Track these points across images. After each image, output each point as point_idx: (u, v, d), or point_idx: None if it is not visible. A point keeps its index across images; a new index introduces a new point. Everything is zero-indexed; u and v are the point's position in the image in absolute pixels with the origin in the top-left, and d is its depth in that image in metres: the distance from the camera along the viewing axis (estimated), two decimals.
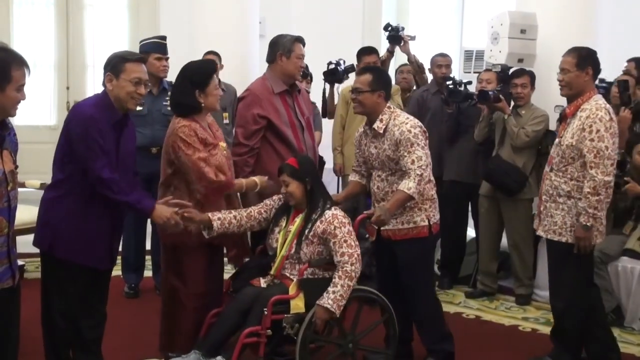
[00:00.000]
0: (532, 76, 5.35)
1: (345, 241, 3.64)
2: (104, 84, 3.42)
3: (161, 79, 5.19)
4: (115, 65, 3.37)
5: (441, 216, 4.01)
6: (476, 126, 5.42)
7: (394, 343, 3.97)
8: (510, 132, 5.14)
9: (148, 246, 5.43)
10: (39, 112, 8.67)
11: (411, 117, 3.90)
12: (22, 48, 8.44)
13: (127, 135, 3.50)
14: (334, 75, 5.98)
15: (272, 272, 3.80)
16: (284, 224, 3.84)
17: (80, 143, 3.28)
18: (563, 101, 5.30)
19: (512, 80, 5.32)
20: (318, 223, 3.70)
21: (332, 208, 3.78)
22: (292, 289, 3.65)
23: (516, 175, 5.17)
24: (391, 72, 6.87)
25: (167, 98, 5.14)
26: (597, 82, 5.22)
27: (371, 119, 3.89)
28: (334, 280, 3.61)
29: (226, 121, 5.71)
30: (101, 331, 3.63)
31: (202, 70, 3.80)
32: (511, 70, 5.53)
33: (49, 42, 8.73)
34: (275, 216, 3.90)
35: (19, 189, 3.14)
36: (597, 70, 3.94)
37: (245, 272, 3.89)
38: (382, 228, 3.88)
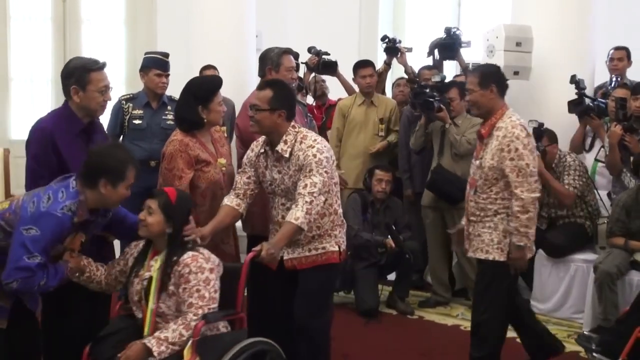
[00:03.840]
0: (460, 88, 5.37)
1: (198, 290, 3.06)
2: (66, 95, 3.39)
3: (161, 94, 5.20)
4: (79, 77, 3.32)
5: None
6: (412, 135, 5.50)
7: None
8: (453, 140, 5.25)
9: None
10: None
11: (319, 140, 3.50)
12: (20, 63, 8.48)
13: (99, 142, 3.49)
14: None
15: (145, 332, 3.13)
16: (142, 272, 3.23)
17: (29, 161, 3.32)
18: (537, 116, 5.37)
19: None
20: (176, 266, 3.12)
21: (196, 248, 3.23)
22: (187, 353, 3.00)
23: (459, 183, 5.21)
24: (388, 85, 6.92)
25: (167, 112, 5.18)
26: (595, 100, 5.33)
27: (272, 139, 3.49)
28: (169, 325, 3.05)
29: (224, 135, 5.72)
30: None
31: (206, 86, 3.76)
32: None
33: (46, 57, 8.72)
34: (134, 265, 3.28)
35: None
36: (501, 86, 3.86)
37: (111, 337, 3.19)
38: (285, 257, 3.51)
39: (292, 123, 3.51)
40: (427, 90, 5.39)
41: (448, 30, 6.04)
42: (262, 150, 3.56)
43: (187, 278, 3.08)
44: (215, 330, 3.20)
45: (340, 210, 3.60)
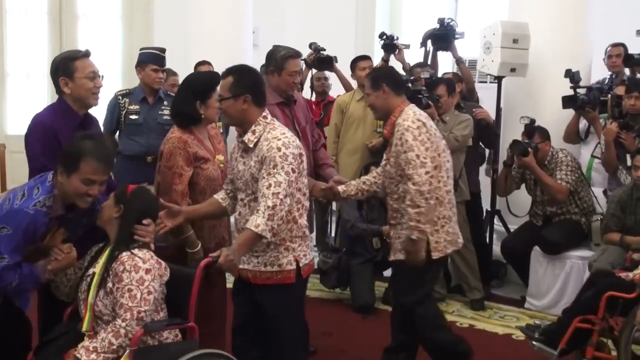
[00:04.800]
0: (448, 85, 5.39)
1: (130, 290, 2.88)
2: (58, 92, 3.39)
3: (157, 89, 5.20)
4: (65, 67, 3.33)
5: None
6: None
7: None
8: None
9: None
10: None
11: (289, 135, 3.23)
12: (16, 58, 8.46)
13: None
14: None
15: (83, 328, 2.97)
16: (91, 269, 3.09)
17: (37, 158, 3.29)
18: (533, 113, 5.39)
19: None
20: (114, 263, 2.96)
21: (138, 249, 3.02)
22: None
23: None
24: None
25: (163, 107, 5.17)
26: (591, 90, 5.33)
27: (244, 129, 3.27)
28: (100, 332, 2.88)
29: (220, 130, 5.72)
30: None
31: (205, 82, 3.72)
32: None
33: (43, 52, 8.69)
34: (88, 265, 3.14)
35: None
36: (393, 83, 3.81)
37: (54, 343, 3.05)
38: (241, 267, 3.23)
39: (266, 114, 3.29)
40: (412, 78, 5.39)
41: (441, 21, 5.99)
42: (236, 142, 3.37)
43: (121, 277, 2.91)
44: (164, 339, 3.03)
45: (301, 221, 3.27)
